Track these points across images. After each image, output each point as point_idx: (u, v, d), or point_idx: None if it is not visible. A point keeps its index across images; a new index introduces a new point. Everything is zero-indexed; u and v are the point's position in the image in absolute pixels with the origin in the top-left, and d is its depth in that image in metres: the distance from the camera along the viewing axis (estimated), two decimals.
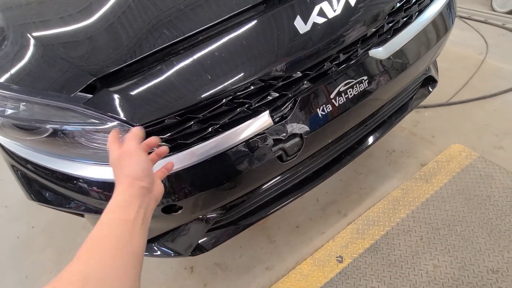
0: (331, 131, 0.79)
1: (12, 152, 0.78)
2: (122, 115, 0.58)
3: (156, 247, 0.91)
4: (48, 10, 0.79)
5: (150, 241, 0.92)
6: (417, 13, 0.84)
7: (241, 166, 0.69)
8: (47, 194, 0.79)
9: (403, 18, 0.79)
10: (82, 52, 0.67)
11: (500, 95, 1.74)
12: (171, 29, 0.63)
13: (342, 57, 0.72)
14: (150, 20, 0.69)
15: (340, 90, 0.73)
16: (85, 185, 0.71)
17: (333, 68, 0.72)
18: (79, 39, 0.70)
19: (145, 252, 0.93)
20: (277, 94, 0.66)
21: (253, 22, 0.67)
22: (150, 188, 0.47)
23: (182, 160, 0.64)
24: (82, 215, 0.94)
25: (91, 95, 0.57)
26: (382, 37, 0.77)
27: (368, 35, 0.74)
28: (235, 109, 0.64)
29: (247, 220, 0.93)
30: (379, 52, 0.76)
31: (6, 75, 0.64)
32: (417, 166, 1.49)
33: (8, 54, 0.70)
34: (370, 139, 1.04)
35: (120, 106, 0.57)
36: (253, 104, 0.64)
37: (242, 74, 0.60)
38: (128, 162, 0.47)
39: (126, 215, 0.43)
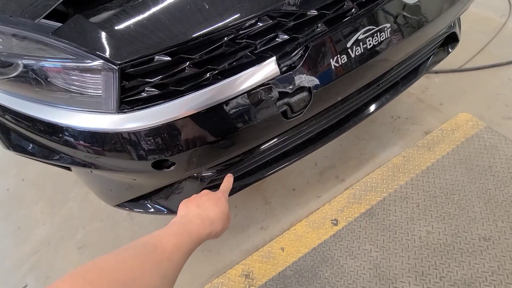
0: (343, 87, 0.70)
1: None
2: (102, 51, 0.48)
3: (150, 205, 0.87)
4: None
5: (143, 197, 0.88)
6: None
7: (241, 121, 0.61)
8: (27, 145, 0.72)
9: None
10: None
11: None
12: None
13: None
14: None
15: (359, 38, 0.63)
16: (70, 136, 0.63)
17: (354, 9, 0.61)
18: None
19: (139, 209, 0.90)
20: (287, 37, 0.56)
21: None
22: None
23: (175, 109, 0.56)
24: (69, 169, 0.88)
25: (61, 24, 0.47)
26: None
27: None
28: (237, 53, 0.54)
29: (244, 181, 0.89)
30: None
31: None
32: (421, 134, 1.44)
33: None
34: (380, 101, 0.96)
35: (98, 38, 0.47)
36: (258, 47, 0.55)
37: (247, 7, 0.50)
38: (215, 210, 0.53)
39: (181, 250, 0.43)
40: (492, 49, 1.72)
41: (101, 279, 0.31)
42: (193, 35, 0.49)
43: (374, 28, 0.64)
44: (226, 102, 0.58)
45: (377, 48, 0.67)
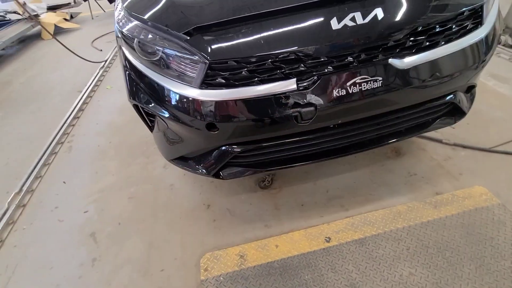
0: (341, 112, 1.01)
1: (134, 66, 1.17)
2: (205, 52, 0.92)
3: (192, 162, 1.25)
4: None
5: (190, 159, 1.27)
6: (446, 38, 1.00)
7: (266, 113, 0.97)
8: (141, 97, 1.18)
9: (426, 41, 0.97)
10: (194, 10, 1.05)
11: None
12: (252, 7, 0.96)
13: (363, 56, 0.95)
14: None
15: (356, 81, 0.96)
16: (170, 95, 1.04)
17: (354, 63, 0.95)
18: (194, 3, 1.08)
19: (186, 167, 1.28)
20: (305, 68, 0.93)
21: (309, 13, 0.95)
22: None
23: (231, 94, 0.95)
24: (151, 130, 1.34)
25: (188, 37, 0.93)
26: (403, 52, 0.97)
27: (388, 45, 0.95)
28: (274, 70, 0.93)
29: (259, 167, 1.20)
30: (398, 63, 0.96)
31: (147, 14, 1.06)
32: (432, 193, 1.56)
33: (152, 3, 1.12)
34: (381, 140, 1.21)
35: (205, 44, 0.92)
36: (286, 70, 0.92)
37: (283, 44, 0.89)
38: None
39: None
40: None
41: None
42: (251, 54, 0.89)
43: (368, 78, 0.95)
44: (260, 98, 0.95)
45: (370, 92, 0.97)
